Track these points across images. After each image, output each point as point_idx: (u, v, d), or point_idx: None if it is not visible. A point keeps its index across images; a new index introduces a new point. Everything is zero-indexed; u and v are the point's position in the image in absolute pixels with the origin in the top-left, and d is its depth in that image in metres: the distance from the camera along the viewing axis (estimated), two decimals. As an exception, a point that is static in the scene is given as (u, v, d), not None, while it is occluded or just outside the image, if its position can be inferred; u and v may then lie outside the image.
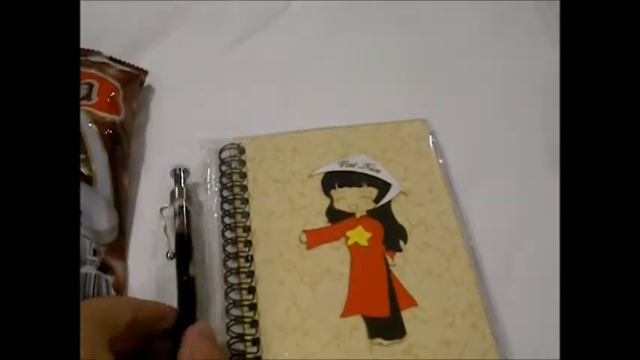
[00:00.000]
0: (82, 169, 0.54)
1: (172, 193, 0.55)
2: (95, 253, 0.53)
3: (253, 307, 0.50)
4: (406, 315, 0.50)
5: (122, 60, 0.66)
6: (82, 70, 0.61)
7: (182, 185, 0.56)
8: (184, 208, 0.54)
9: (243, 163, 0.59)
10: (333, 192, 0.57)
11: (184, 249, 0.51)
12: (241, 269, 0.52)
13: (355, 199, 0.57)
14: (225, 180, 0.57)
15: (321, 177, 0.58)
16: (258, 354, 0.48)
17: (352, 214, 0.56)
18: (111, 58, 0.66)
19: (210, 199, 0.57)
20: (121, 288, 0.53)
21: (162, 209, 0.56)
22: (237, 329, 0.49)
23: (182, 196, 0.55)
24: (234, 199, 0.56)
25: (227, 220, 0.55)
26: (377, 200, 0.57)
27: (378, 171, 0.59)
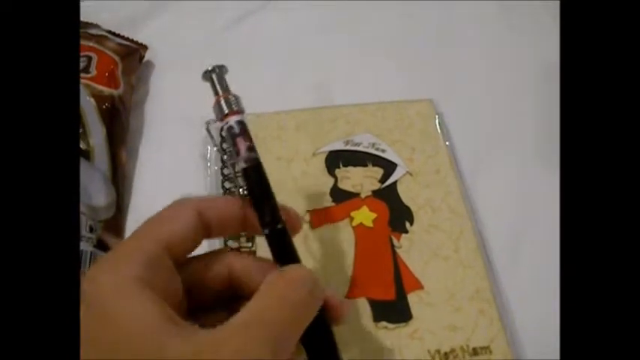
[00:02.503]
0: (80, 144, 0.52)
1: (217, 105, 0.37)
2: (92, 229, 0.52)
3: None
4: (412, 298, 0.49)
5: (121, 34, 0.64)
6: (81, 42, 0.60)
7: (228, 89, 0.38)
8: (242, 124, 0.37)
9: (245, 140, 0.57)
10: (337, 171, 0.56)
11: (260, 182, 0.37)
12: (242, 249, 0.51)
13: (360, 179, 0.55)
14: (226, 158, 0.56)
15: (325, 156, 0.57)
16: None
17: (357, 194, 0.55)
18: (110, 32, 0.64)
19: (210, 178, 0.55)
20: (117, 266, 0.51)
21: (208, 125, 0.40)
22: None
23: (234, 108, 0.37)
24: (235, 177, 0.54)
25: (228, 198, 0.53)
26: (382, 180, 0.55)
27: (383, 151, 0.57)
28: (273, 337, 0.29)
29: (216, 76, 0.39)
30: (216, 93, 0.38)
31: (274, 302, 0.31)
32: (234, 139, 0.36)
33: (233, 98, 0.37)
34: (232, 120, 0.36)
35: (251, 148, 0.36)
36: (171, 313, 0.29)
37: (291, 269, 0.33)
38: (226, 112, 0.37)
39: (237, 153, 0.36)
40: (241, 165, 0.36)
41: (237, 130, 0.36)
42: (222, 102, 0.37)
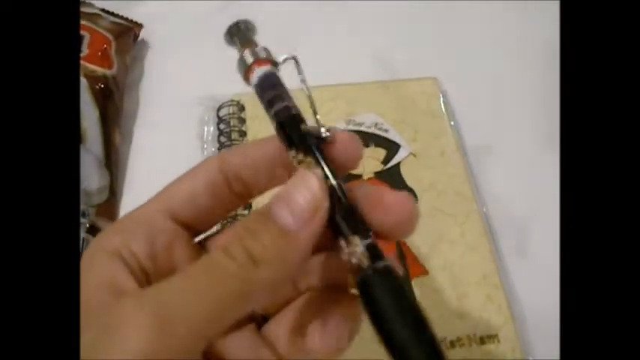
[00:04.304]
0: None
1: (242, 60, 0.30)
2: (84, 214, 0.51)
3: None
4: (416, 284, 0.47)
5: (115, 12, 0.62)
6: (72, 20, 0.58)
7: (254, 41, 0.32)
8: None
9: (242, 120, 0.55)
10: (338, 152, 0.54)
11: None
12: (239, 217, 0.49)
13: (362, 160, 0.53)
14: (223, 139, 0.54)
15: (326, 136, 0.55)
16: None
17: (359, 176, 0.53)
18: (103, 10, 0.62)
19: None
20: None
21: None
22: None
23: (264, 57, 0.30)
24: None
25: (226, 181, 0.51)
26: (385, 162, 0.54)
27: (386, 131, 0.55)
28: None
29: (239, 32, 0.32)
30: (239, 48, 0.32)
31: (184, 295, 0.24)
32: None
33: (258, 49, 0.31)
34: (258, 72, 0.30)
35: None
36: (120, 286, 0.26)
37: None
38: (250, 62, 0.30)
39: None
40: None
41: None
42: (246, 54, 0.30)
